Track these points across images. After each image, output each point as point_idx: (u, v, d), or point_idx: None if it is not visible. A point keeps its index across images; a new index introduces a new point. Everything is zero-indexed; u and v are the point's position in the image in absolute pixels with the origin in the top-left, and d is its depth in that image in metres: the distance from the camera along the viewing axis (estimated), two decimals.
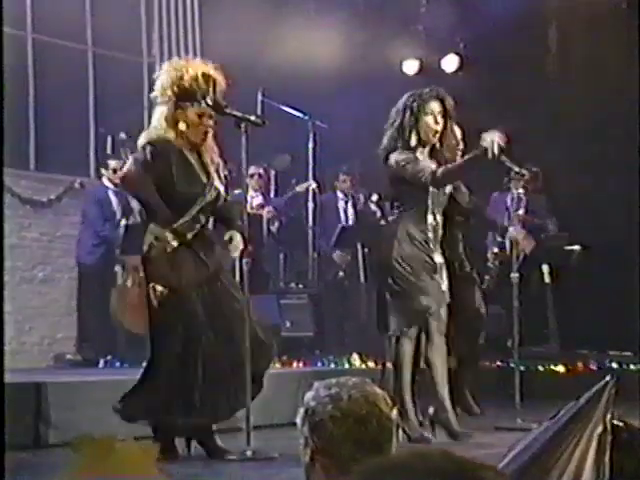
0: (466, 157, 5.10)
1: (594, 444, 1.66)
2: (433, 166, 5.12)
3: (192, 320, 4.66)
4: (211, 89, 4.73)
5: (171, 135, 4.71)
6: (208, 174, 4.80)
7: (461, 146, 5.54)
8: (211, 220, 4.86)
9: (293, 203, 8.64)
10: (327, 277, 8.40)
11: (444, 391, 5.27)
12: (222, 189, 4.85)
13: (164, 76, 4.76)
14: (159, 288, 4.63)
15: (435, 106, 5.18)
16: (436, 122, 5.17)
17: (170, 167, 4.69)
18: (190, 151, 4.79)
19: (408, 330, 5.20)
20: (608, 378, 1.69)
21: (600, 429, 1.67)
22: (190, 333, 4.65)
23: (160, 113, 4.76)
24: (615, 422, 1.72)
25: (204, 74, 4.73)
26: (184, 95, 4.71)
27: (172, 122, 4.71)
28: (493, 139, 4.87)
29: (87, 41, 8.97)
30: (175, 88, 4.71)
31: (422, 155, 5.24)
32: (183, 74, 4.71)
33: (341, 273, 8.26)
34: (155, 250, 4.67)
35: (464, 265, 5.56)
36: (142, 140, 4.77)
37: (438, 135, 5.22)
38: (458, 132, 5.60)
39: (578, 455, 1.67)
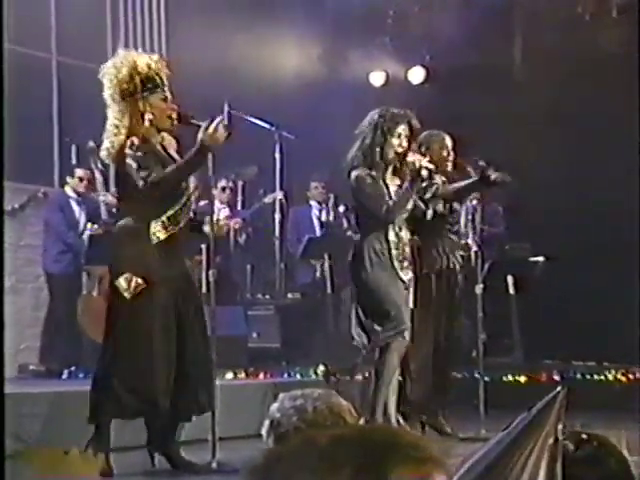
0: (405, 186, 5.27)
1: (546, 455, 1.67)
2: (390, 202, 5.22)
3: (165, 314, 4.61)
4: (162, 76, 4.68)
5: (142, 130, 4.63)
6: None
7: (452, 156, 5.64)
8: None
9: (260, 214, 8.62)
10: (306, 280, 8.34)
11: (391, 407, 5.32)
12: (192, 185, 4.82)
13: (121, 73, 4.65)
14: (137, 280, 4.55)
15: (403, 129, 5.28)
16: (400, 145, 5.29)
17: (154, 163, 4.61)
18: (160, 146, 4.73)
19: (394, 341, 5.23)
20: (559, 388, 1.70)
21: (552, 440, 1.67)
22: (161, 327, 4.60)
23: (118, 112, 4.63)
24: (582, 436, 1.73)
25: (149, 64, 4.67)
26: (143, 85, 4.63)
27: (137, 115, 4.63)
28: (414, 159, 5.23)
29: (51, 49, 8.90)
30: (131, 82, 4.62)
31: (386, 173, 5.32)
32: (130, 68, 4.63)
33: (318, 274, 8.18)
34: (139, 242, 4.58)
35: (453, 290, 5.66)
36: (107, 144, 4.67)
37: (400, 155, 5.32)
38: (449, 142, 5.69)
39: (531, 466, 1.67)
